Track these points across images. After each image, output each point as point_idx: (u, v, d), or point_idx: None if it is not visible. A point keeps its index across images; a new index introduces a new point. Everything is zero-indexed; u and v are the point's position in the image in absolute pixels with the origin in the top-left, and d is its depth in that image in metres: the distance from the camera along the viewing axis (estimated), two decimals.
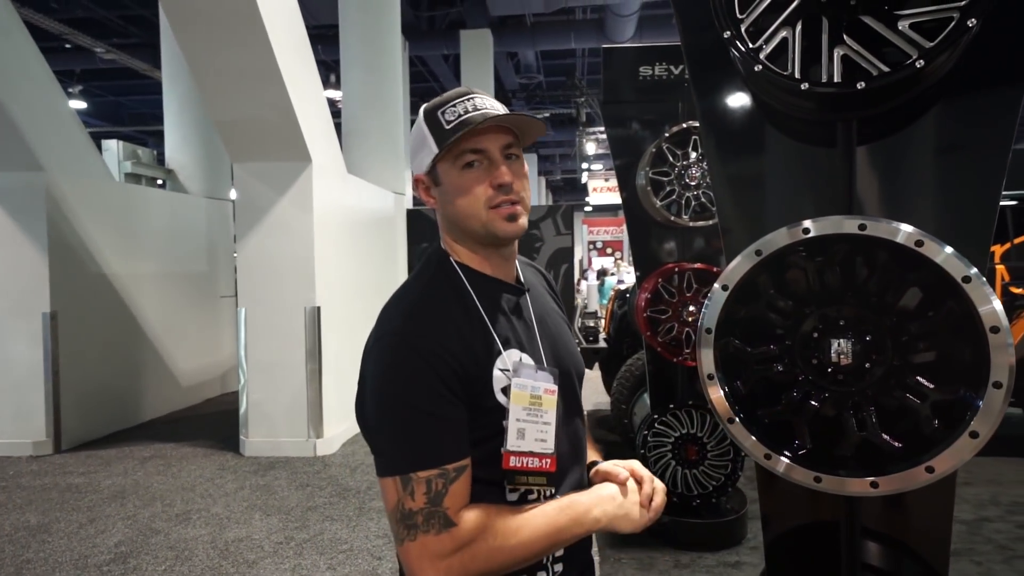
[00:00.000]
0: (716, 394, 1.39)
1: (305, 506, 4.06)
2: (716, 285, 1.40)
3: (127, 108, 16.78)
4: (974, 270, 1.20)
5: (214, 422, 6.26)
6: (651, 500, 1.04)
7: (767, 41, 1.40)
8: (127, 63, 11.56)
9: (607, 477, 1.07)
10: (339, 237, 5.52)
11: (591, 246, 23.13)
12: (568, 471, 1.06)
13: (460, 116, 1.00)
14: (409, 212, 7.56)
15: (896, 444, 1.28)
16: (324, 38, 10.15)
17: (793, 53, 1.39)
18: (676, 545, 3.38)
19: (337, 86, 10.43)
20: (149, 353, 6.41)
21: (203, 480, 4.59)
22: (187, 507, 4.09)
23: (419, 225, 8.44)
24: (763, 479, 1.64)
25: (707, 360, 1.39)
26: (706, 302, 1.40)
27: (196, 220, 7.20)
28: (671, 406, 3.46)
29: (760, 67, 1.38)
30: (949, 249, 1.21)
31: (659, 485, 1.07)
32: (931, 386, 1.26)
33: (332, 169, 5.40)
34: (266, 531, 3.70)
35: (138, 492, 4.38)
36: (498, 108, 1.03)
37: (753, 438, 1.35)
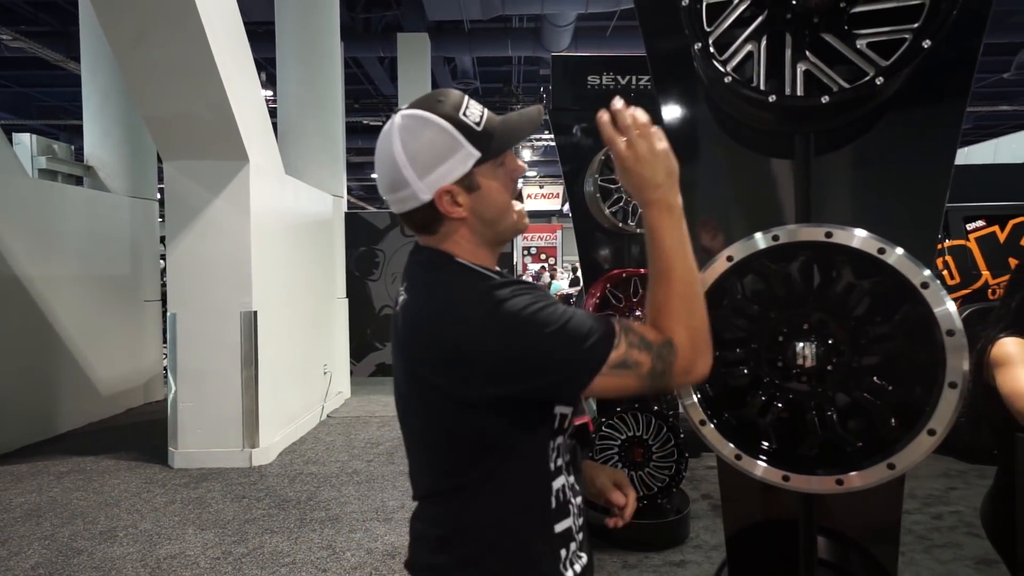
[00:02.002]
0: (689, 398, 1.42)
1: (242, 519, 3.90)
2: None
3: (36, 100, 15.74)
4: (930, 273, 1.27)
5: (138, 433, 5.92)
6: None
7: (733, 54, 1.45)
8: (37, 52, 10.83)
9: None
10: (277, 240, 5.35)
11: (525, 252, 23.32)
12: None
13: (483, 116, 0.98)
14: (347, 216, 7.41)
15: (858, 443, 1.35)
16: (254, 35, 9.80)
17: (758, 67, 1.44)
18: (623, 546, 3.43)
19: (268, 85, 10.13)
20: (65, 361, 6.02)
21: (129, 495, 4.34)
22: (112, 524, 3.85)
23: (357, 229, 8.30)
24: (725, 478, 1.69)
25: None
26: None
27: (118, 220, 6.82)
28: (618, 409, 3.51)
29: (730, 79, 1.42)
30: (908, 256, 1.28)
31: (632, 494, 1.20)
32: (890, 387, 1.33)
33: (270, 169, 5.23)
34: (201, 546, 3.53)
35: (55, 509, 4.10)
36: None
37: (730, 444, 1.38)
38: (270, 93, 9.13)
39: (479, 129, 0.97)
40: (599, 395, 0.95)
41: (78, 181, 7.03)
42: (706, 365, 0.97)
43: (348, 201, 8.41)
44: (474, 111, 0.98)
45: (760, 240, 1.37)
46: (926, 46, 1.29)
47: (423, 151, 0.95)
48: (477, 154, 0.96)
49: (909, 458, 1.26)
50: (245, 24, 4.93)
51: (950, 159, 1.49)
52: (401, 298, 1.05)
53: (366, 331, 8.59)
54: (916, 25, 1.32)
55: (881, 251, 1.29)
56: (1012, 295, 1.94)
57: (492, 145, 0.97)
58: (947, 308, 1.24)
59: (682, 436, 3.48)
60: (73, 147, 7.53)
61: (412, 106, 0.99)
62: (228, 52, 4.47)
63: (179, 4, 4.02)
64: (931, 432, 1.24)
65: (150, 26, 4.09)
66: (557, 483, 1.02)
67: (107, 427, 6.23)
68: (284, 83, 7.12)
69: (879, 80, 1.32)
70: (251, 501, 4.19)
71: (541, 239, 24.11)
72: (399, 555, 3.40)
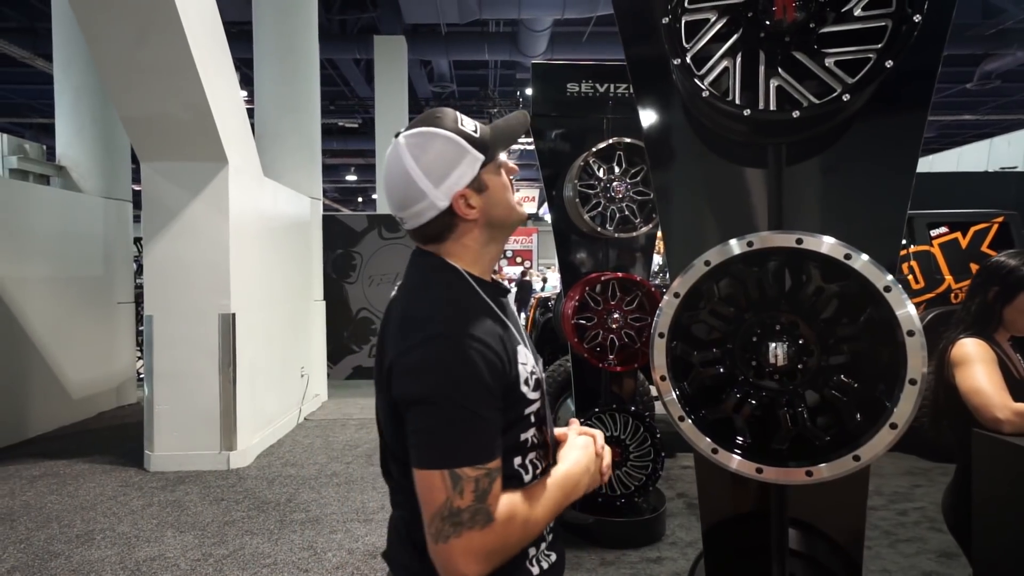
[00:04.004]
0: (669, 395, 1.49)
1: (221, 521, 3.89)
2: (668, 293, 1.50)
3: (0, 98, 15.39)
4: (892, 278, 1.36)
5: (111, 437, 5.85)
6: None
7: (710, 70, 1.53)
8: (3, 49, 10.62)
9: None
10: (255, 242, 5.34)
11: (502, 255, 23.44)
12: None
13: (476, 126, 1.09)
14: (325, 218, 7.40)
15: (826, 437, 1.43)
16: (228, 35, 9.69)
17: (734, 82, 1.52)
18: (601, 544, 3.50)
19: (243, 85, 10.04)
20: (35, 363, 5.92)
21: (105, 498, 4.30)
22: (89, 527, 3.82)
23: (334, 231, 8.29)
24: (702, 473, 1.77)
25: (660, 363, 1.50)
26: (659, 309, 1.51)
27: (91, 221, 6.73)
28: (596, 410, 3.59)
29: (707, 93, 1.49)
30: (872, 261, 1.37)
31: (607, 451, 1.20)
32: (855, 384, 1.42)
33: (248, 171, 5.22)
34: (180, 548, 3.52)
35: (29, 513, 4.04)
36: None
37: (707, 438, 1.46)
38: (245, 94, 9.07)
39: (477, 136, 1.08)
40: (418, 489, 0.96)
41: (48, 181, 6.92)
42: (470, 568, 0.93)
43: (323, 203, 8.40)
44: (468, 123, 1.09)
45: (736, 246, 1.45)
46: (889, 65, 1.38)
47: (435, 161, 1.04)
48: (481, 157, 1.07)
49: (873, 450, 1.34)
50: None
51: (912, 168, 1.58)
52: (393, 294, 1.13)
53: (343, 334, 8.57)
54: (880, 45, 1.41)
55: (847, 256, 1.37)
56: (972, 299, 2.06)
57: (490, 148, 1.08)
58: (908, 310, 1.32)
59: (658, 436, 3.57)
60: (44, 147, 7.39)
61: (412, 126, 1.08)
62: (207, 52, 4.46)
63: (159, 3, 4.01)
64: (893, 426, 1.33)
65: (129, 25, 4.07)
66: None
67: (79, 431, 6.13)
68: (261, 83, 7.10)
69: (846, 96, 1.40)
70: (230, 503, 4.18)
71: (517, 242, 24.25)
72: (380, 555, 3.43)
